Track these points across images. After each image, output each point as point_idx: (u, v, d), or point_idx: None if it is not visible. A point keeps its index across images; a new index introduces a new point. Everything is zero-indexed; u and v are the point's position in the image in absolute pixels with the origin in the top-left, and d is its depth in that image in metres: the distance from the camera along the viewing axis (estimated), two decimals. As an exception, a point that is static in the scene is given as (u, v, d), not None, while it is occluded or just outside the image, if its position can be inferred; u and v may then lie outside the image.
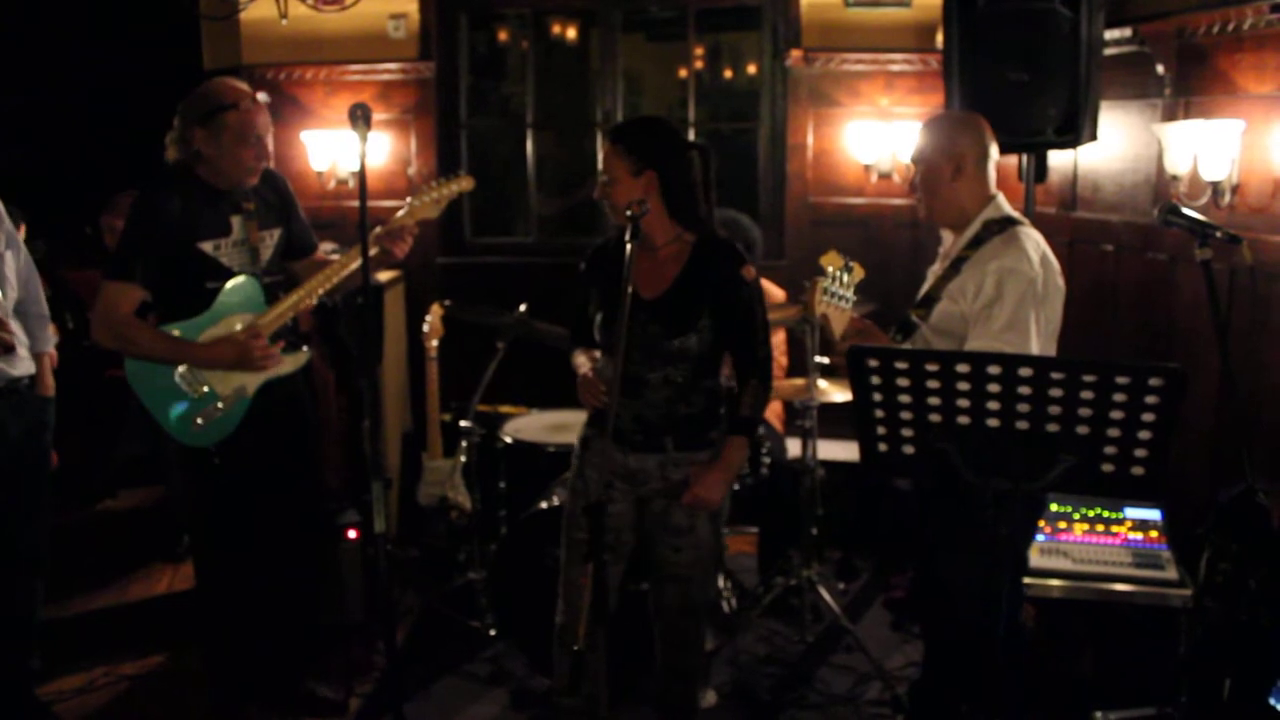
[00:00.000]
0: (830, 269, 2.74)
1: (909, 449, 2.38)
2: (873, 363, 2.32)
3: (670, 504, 2.95)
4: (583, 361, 3.05)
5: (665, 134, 2.94)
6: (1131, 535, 3.53)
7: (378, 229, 3.24)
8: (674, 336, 2.87)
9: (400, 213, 3.28)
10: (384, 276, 5.08)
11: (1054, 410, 2.21)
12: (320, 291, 3.26)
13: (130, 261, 3.13)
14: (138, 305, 3.16)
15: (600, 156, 2.92)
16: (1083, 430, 2.21)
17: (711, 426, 2.99)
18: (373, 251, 3.19)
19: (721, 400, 3.03)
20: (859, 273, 2.79)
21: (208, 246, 3.16)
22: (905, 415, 2.34)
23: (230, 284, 3.19)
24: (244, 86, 3.20)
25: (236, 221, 3.22)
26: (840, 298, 2.76)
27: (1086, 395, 2.17)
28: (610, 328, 2.90)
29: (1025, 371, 2.19)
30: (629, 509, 3.03)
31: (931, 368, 2.27)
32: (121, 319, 3.12)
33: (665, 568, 3.02)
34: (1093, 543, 3.53)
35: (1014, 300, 2.66)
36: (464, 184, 3.37)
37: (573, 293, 3.14)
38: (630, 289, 2.54)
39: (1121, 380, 2.14)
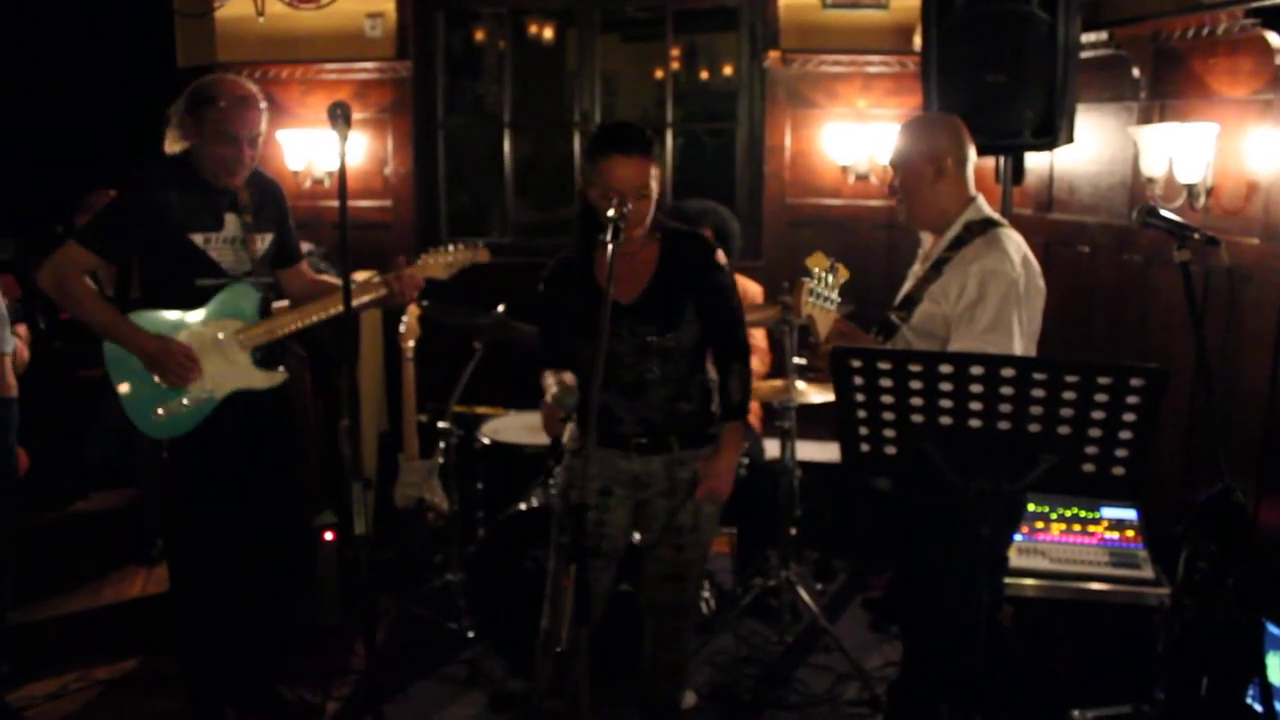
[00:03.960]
0: (816, 270, 2.74)
1: (891, 449, 2.39)
2: (856, 363, 2.32)
3: (675, 504, 2.93)
4: (550, 384, 2.93)
5: None
6: (1108, 535, 3.56)
7: (390, 273, 3.25)
8: (665, 333, 2.86)
9: (410, 267, 3.29)
10: (359, 276, 5.03)
11: (1036, 411, 2.22)
12: (314, 319, 3.25)
13: (101, 233, 3.11)
14: (86, 274, 3.13)
15: (622, 172, 2.76)
16: (1064, 430, 2.22)
17: (709, 422, 2.99)
18: (378, 294, 3.26)
19: (711, 395, 3.03)
20: (843, 274, 2.79)
21: (198, 239, 3.15)
22: (888, 416, 2.35)
23: (232, 288, 3.17)
24: (240, 87, 3.19)
25: (230, 219, 3.21)
26: (825, 299, 2.76)
27: (1069, 396, 2.18)
28: (594, 337, 2.81)
29: (1008, 372, 2.20)
30: (625, 514, 3.00)
31: (915, 368, 2.27)
32: (69, 272, 3.09)
33: (667, 567, 3.02)
34: (1069, 542, 3.56)
35: (997, 301, 2.67)
36: (480, 255, 3.41)
37: (535, 313, 3.09)
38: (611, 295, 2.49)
39: (1104, 381, 2.15)
